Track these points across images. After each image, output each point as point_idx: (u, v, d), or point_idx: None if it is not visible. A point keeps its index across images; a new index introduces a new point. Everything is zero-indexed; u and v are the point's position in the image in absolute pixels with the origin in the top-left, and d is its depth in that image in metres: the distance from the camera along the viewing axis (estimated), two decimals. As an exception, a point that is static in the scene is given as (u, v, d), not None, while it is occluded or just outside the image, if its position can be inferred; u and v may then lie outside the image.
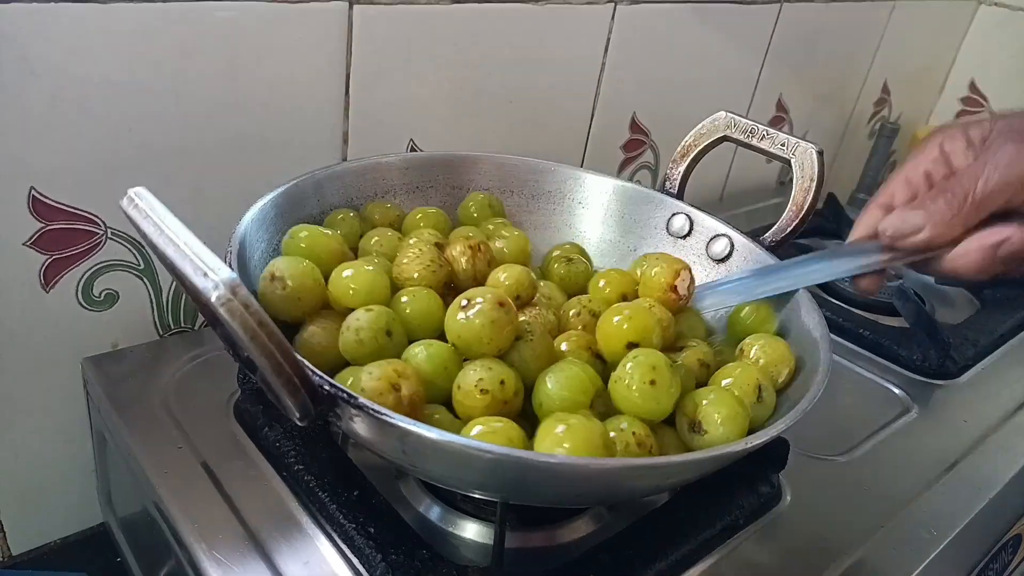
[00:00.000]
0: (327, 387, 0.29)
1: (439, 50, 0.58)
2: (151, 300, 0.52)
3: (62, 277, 0.47)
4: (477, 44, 0.60)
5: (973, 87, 1.13)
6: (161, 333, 0.53)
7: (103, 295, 0.50)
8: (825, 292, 0.73)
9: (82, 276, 0.48)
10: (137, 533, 0.48)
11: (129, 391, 0.47)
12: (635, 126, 0.76)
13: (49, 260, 0.46)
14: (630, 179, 0.80)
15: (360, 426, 0.31)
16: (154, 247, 0.28)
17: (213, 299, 0.24)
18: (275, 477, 0.42)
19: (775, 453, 0.45)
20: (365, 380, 0.33)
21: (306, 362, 0.30)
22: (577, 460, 0.28)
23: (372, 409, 0.29)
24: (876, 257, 0.43)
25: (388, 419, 0.29)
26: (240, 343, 0.26)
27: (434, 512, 0.42)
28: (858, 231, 0.46)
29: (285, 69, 0.51)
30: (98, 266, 0.49)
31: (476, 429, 0.31)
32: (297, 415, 0.29)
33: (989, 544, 0.52)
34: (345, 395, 0.29)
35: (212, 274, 0.25)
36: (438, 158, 0.52)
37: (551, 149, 0.70)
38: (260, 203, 0.41)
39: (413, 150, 0.60)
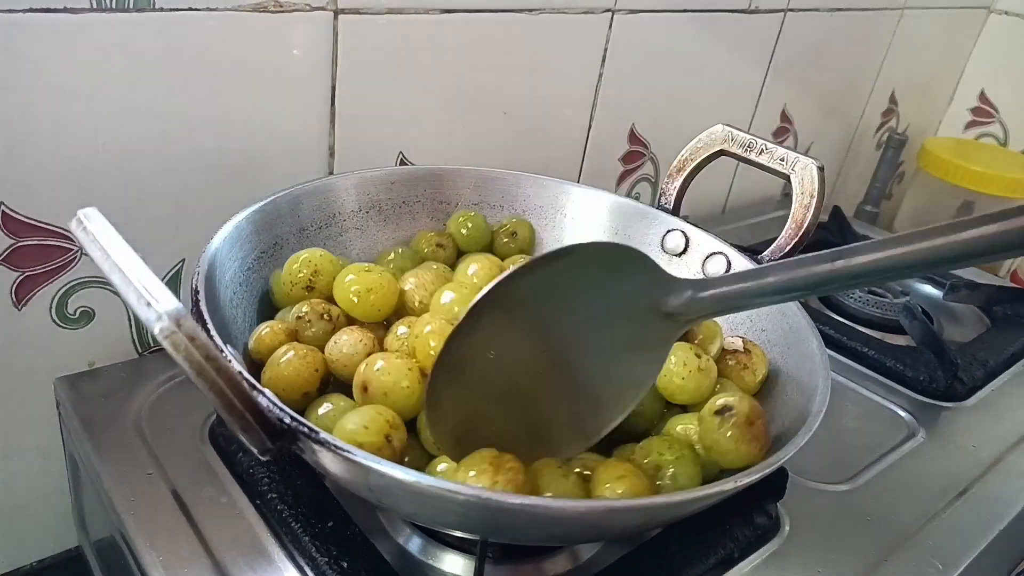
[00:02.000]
0: (288, 421, 0.28)
1: (429, 60, 0.56)
2: (129, 317, 0.50)
3: (35, 294, 0.46)
4: (469, 54, 0.58)
5: (983, 97, 1.11)
6: (140, 351, 0.52)
7: (78, 312, 0.48)
8: (827, 307, 0.71)
9: (56, 293, 0.47)
10: (109, 559, 0.46)
11: (102, 412, 0.45)
12: (634, 138, 0.74)
13: (21, 277, 0.45)
14: (629, 192, 0.78)
15: (325, 461, 0.29)
16: (102, 273, 0.26)
17: (156, 331, 0.23)
18: (247, 505, 0.40)
19: (773, 482, 0.43)
20: (360, 434, 0.31)
21: (267, 393, 0.28)
22: (550, 502, 0.27)
23: (334, 445, 0.27)
24: None
25: (352, 457, 0.27)
26: (189, 377, 0.24)
27: (414, 543, 0.40)
28: None
29: (268, 81, 0.49)
30: (73, 283, 0.47)
31: (441, 466, 0.29)
32: (255, 450, 0.27)
33: (999, 578, 0.49)
34: (306, 429, 0.27)
35: (156, 304, 0.23)
36: (423, 172, 0.50)
37: (547, 161, 0.69)
38: (233, 221, 0.40)
39: (403, 163, 0.59)
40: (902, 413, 0.57)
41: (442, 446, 0.31)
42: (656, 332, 0.33)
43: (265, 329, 0.38)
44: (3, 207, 0.43)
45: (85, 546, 0.51)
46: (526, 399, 0.33)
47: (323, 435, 0.27)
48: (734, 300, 0.32)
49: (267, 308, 0.42)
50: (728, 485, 0.29)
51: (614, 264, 0.32)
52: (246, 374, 0.28)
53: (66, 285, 0.47)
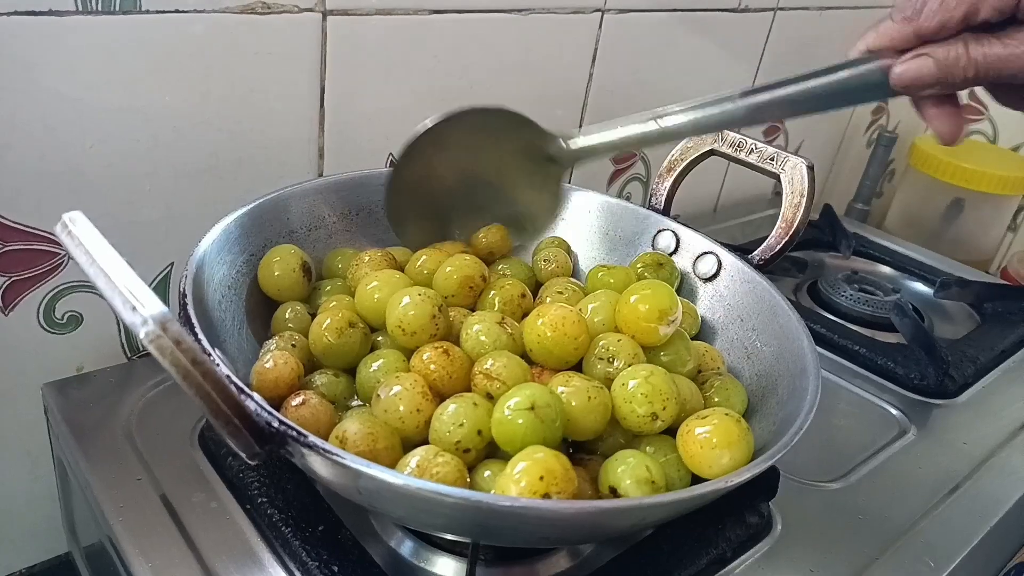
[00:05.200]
0: (276, 424, 0.27)
1: (419, 61, 0.56)
2: (118, 322, 0.50)
3: (22, 299, 0.46)
4: (459, 54, 0.58)
5: (971, 94, 1.11)
6: (129, 355, 0.52)
7: (66, 317, 0.48)
8: (818, 305, 0.71)
9: (43, 298, 0.46)
10: (99, 565, 0.46)
11: (90, 418, 0.45)
12: (625, 137, 0.74)
13: (8, 282, 0.45)
14: (620, 192, 0.78)
15: (314, 464, 0.29)
16: (88, 277, 0.26)
17: (141, 335, 0.23)
18: (237, 510, 0.40)
19: (764, 481, 0.43)
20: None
21: (256, 397, 0.28)
22: (540, 504, 0.26)
23: (323, 449, 0.27)
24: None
25: (340, 460, 0.27)
26: (176, 382, 0.24)
27: (406, 547, 0.40)
28: (870, 39, 0.37)
29: (257, 83, 0.49)
30: (60, 287, 0.47)
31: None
32: (244, 454, 0.27)
33: (992, 574, 0.50)
34: (295, 433, 0.27)
35: (141, 308, 0.23)
36: (414, 174, 0.50)
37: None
38: (221, 224, 0.40)
39: (393, 164, 0.58)
40: (893, 411, 0.57)
41: (400, 234, 0.46)
42: (548, 172, 0.45)
43: (269, 363, 0.37)
44: (-11, 211, 0.43)
45: (75, 552, 0.51)
46: (466, 205, 0.47)
47: (311, 438, 0.27)
48: (596, 151, 0.43)
49: (256, 311, 0.42)
50: (720, 484, 0.29)
51: (507, 125, 0.43)
52: (234, 378, 0.28)
53: (54, 289, 0.47)
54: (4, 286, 0.45)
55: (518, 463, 0.29)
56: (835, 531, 0.45)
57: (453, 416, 0.33)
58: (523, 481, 0.28)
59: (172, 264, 0.51)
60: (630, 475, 0.31)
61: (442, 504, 0.27)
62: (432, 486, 0.26)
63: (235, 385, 0.27)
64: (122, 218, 0.47)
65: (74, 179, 0.45)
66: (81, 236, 0.26)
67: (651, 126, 0.40)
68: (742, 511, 0.43)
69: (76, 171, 0.44)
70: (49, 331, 0.47)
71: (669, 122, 0.40)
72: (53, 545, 0.53)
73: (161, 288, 0.51)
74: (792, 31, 0.84)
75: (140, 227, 0.48)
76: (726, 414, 0.35)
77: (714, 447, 0.33)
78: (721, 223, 0.86)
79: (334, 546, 0.37)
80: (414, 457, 0.30)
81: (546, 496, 0.28)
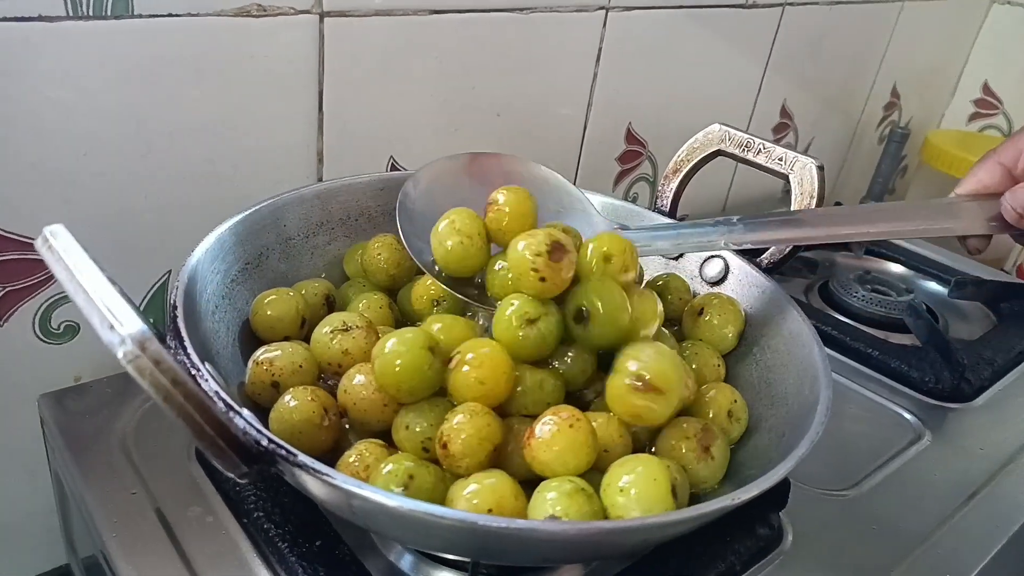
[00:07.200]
0: (264, 443, 0.26)
1: (419, 62, 0.55)
2: (115, 330, 0.49)
3: (17, 310, 0.45)
4: (460, 55, 0.57)
5: (987, 88, 1.10)
6: (127, 364, 0.51)
7: (62, 327, 0.47)
8: (829, 306, 0.69)
9: (39, 308, 0.46)
10: (98, 579, 0.45)
11: (86, 429, 0.44)
12: (631, 137, 0.73)
13: (2, 292, 0.44)
14: (627, 192, 0.77)
15: (306, 484, 0.28)
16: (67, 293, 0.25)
17: (120, 356, 0.22)
18: (233, 524, 0.39)
19: (774, 491, 0.42)
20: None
21: (245, 414, 0.27)
22: (538, 525, 0.25)
23: (313, 468, 0.26)
24: (983, 225, 0.41)
25: (332, 481, 0.26)
26: (156, 402, 0.23)
27: (406, 561, 0.39)
28: (971, 184, 0.43)
29: (253, 87, 0.48)
30: (56, 296, 0.46)
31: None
32: (232, 474, 0.26)
33: (1011, 585, 0.48)
34: (284, 452, 0.26)
35: (119, 327, 0.22)
36: (413, 178, 0.49)
37: (543, 163, 0.67)
38: (215, 233, 0.39)
39: (395, 168, 0.58)
40: (907, 415, 0.55)
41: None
42: None
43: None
44: (-19, 221, 0.42)
45: (73, 565, 0.50)
46: None
47: (301, 457, 0.26)
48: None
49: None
50: (727, 502, 0.28)
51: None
52: (222, 393, 0.27)
53: (49, 299, 0.46)
54: (-2, 296, 0.44)
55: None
56: (848, 542, 0.43)
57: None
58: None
59: (169, 272, 0.50)
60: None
61: (437, 526, 0.26)
62: (426, 507, 0.25)
63: (223, 402, 0.27)
64: (117, 226, 0.47)
65: (67, 187, 0.44)
66: (61, 250, 0.25)
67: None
68: (752, 522, 0.41)
69: (69, 179, 0.44)
70: (45, 341, 0.47)
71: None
72: (52, 557, 0.52)
73: (158, 297, 0.50)
74: (801, 26, 0.82)
75: (136, 235, 0.47)
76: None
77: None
78: (730, 222, 0.84)
79: (332, 561, 0.36)
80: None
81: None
